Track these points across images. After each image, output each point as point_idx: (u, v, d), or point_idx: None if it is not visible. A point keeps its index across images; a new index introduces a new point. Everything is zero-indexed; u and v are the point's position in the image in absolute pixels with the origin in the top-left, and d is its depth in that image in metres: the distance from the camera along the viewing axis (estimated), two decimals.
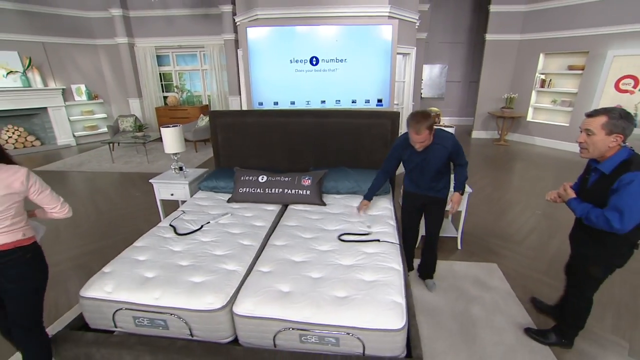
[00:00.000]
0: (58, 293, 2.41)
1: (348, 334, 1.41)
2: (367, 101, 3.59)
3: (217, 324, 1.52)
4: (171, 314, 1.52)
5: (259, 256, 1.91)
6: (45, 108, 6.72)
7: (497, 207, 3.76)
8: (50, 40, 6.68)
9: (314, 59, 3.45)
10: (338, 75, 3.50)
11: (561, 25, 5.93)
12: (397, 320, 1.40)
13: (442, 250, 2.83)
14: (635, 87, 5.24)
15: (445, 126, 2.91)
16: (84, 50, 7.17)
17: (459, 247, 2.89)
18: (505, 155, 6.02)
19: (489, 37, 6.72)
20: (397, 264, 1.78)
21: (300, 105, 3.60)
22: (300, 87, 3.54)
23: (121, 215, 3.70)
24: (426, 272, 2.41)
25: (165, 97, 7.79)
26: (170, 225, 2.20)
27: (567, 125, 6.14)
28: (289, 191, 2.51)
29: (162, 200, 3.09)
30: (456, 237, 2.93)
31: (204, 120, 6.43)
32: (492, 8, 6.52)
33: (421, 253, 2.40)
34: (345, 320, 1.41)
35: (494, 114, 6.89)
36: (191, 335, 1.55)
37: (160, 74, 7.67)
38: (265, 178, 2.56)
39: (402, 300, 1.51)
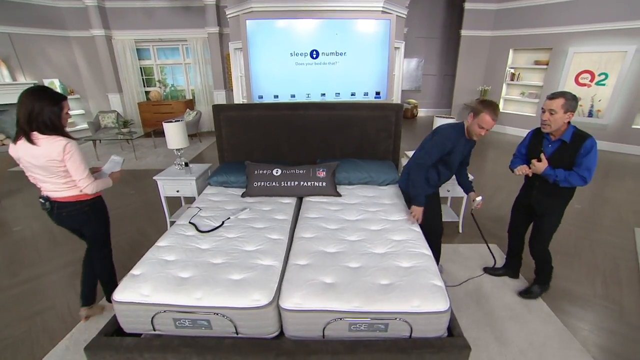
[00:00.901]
0: (69, 299, 2.25)
1: (397, 319, 1.47)
2: (366, 94, 3.65)
3: (264, 320, 1.50)
4: (216, 314, 1.48)
5: (289, 249, 1.91)
6: (16, 104, 6.06)
7: (485, 192, 4.02)
8: (17, 30, 6.05)
9: (314, 52, 3.43)
10: (338, 69, 3.51)
11: (528, 23, 6.39)
12: (442, 303, 1.48)
13: (444, 234, 2.99)
14: (591, 81, 5.81)
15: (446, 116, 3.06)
16: (55, 42, 6.57)
17: (460, 231, 3.08)
18: (481, 144, 6.40)
19: (464, 32, 7.06)
20: (426, 250, 1.87)
21: (300, 99, 3.57)
22: (301, 80, 3.51)
23: (119, 215, 3.46)
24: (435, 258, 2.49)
25: (147, 92, 7.37)
26: (190, 222, 2.11)
27: (534, 115, 6.67)
28: (305, 183, 2.50)
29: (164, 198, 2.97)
30: (457, 222, 3.12)
31: (190, 115, 6.16)
32: (467, 5, 6.85)
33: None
34: (394, 306, 1.46)
35: (470, 105, 7.30)
36: (236, 333, 1.53)
37: (140, 68, 7.21)
38: (279, 171, 2.53)
39: (441, 284, 1.59)
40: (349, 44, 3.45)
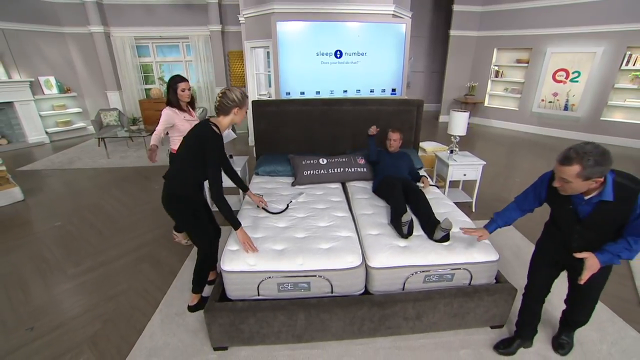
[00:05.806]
0: (142, 282, 2.43)
1: (462, 268, 1.84)
2: (383, 90, 4.01)
3: (355, 279, 1.82)
4: (317, 276, 1.77)
5: (356, 224, 2.22)
6: (11, 103, 5.92)
7: (485, 179, 4.52)
8: (10, 26, 5.83)
9: (338, 52, 3.73)
10: (359, 67, 3.84)
11: (510, 25, 7.01)
12: (493, 254, 1.88)
13: None
14: (566, 78, 6.52)
15: None
16: (50, 38, 6.38)
17: (474, 210, 3.53)
18: (471, 136, 6.99)
19: (452, 32, 7.59)
20: (466, 217, 2.26)
21: (324, 95, 3.86)
22: (325, 78, 3.80)
23: (153, 208, 3.60)
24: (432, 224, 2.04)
25: (147, 90, 7.32)
26: (258, 206, 2.37)
27: (517, 109, 7.35)
28: (349, 169, 2.82)
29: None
30: (470, 202, 3.56)
31: (197, 112, 6.23)
32: (455, 7, 7.37)
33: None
34: (460, 258, 1.84)
35: (459, 100, 7.88)
36: (331, 292, 1.83)
37: (140, 65, 7.17)
38: (325, 160, 2.83)
39: (488, 242, 1.99)
40: (369, 45, 3.79)
